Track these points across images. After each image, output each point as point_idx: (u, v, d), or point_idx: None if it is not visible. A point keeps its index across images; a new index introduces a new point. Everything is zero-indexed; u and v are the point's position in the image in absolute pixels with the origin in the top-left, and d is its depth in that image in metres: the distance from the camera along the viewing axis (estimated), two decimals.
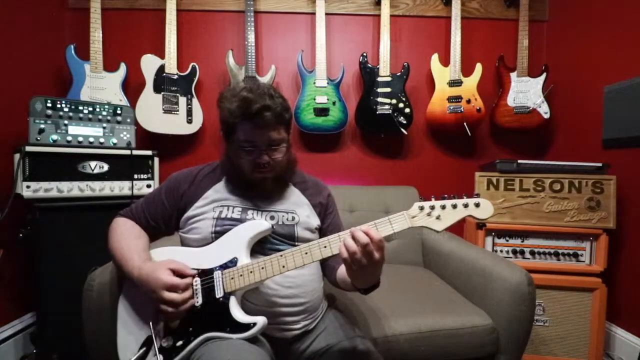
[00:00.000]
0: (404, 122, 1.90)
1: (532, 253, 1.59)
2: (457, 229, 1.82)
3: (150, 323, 0.80)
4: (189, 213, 0.91)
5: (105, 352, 0.92)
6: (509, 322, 1.08)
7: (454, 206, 0.74)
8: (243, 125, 0.83)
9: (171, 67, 1.83)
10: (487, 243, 1.61)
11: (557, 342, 1.54)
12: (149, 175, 1.63)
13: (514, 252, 1.59)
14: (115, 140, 1.59)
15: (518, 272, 1.09)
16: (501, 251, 1.61)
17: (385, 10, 1.92)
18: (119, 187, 1.54)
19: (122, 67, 1.83)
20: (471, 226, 1.69)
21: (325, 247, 0.76)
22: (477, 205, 0.74)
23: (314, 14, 1.94)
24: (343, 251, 0.70)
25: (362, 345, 0.86)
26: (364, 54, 1.94)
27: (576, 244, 1.55)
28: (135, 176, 1.58)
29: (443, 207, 0.74)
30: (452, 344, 1.06)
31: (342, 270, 0.89)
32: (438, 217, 0.74)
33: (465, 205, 0.74)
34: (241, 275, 0.78)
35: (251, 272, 0.78)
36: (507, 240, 1.61)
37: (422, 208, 0.75)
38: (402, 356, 1.03)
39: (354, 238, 0.69)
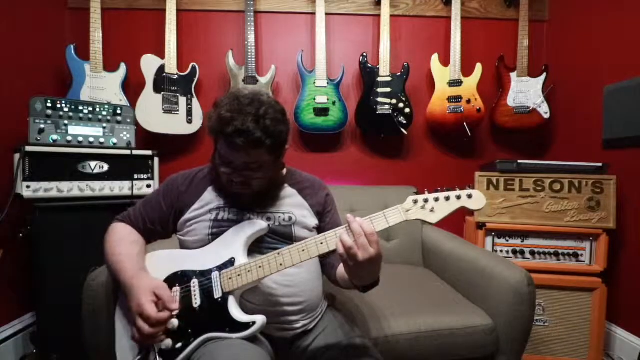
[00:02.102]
0: (404, 122, 1.90)
1: (532, 253, 1.59)
2: (457, 229, 1.82)
3: None
4: (186, 215, 0.91)
5: (105, 352, 0.92)
6: (509, 322, 1.08)
7: (447, 198, 0.75)
8: (220, 141, 0.82)
9: (171, 67, 1.83)
10: (487, 243, 1.61)
11: (557, 342, 1.54)
12: (149, 175, 1.63)
13: (514, 252, 1.59)
14: (115, 140, 1.59)
15: (518, 272, 1.09)
16: (501, 251, 1.61)
17: (385, 10, 1.92)
18: (119, 187, 1.54)
19: (122, 67, 1.83)
20: (471, 226, 1.69)
21: (322, 243, 0.76)
22: (470, 196, 0.75)
23: (314, 14, 1.94)
24: (339, 247, 0.70)
25: (362, 345, 0.86)
26: (364, 54, 1.94)
27: (576, 244, 1.55)
28: (135, 176, 1.58)
29: (436, 199, 0.76)
30: (452, 344, 1.06)
31: (341, 268, 0.88)
32: (432, 210, 0.75)
33: (458, 197, 0.75)
34: (239, 275, 0.78)
35: (249, 271, 0.78)
36: (507, 240, 1.61)
37: (415, 201, 0.76)
38: (402, 356, 1.03)
39: (350, 231, 0.70)
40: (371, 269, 0.73)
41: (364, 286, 0.79)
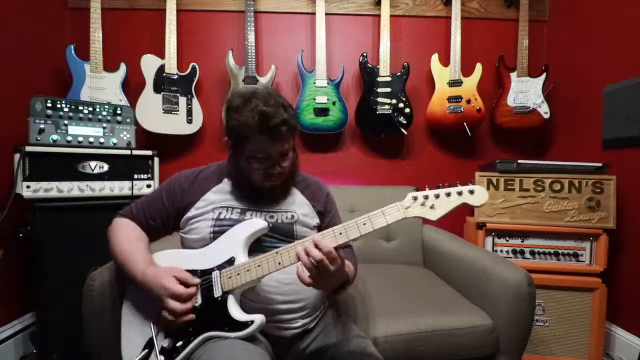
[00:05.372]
0: (404, 122, 1.90)
1: (532, 253, 1.59)
2: (457, 229, 1.82)
3: (151, 324, 0.80)
4: (189, 214, 0.91)
5: (105, 352, 0.92)
6: (509, 322, 1.08)
7: (448, 194, 0.73)
8: (258, 137, 0.82)
9: (171, 67, 1.83)
10: (487, 243, 1.61)
11: (557, 342, 1.54)
12: (149, 175, 1.63)
13: (514, 252, 1.59)
14: (115, 140, 1.59)
15: (518, 272, 1.09)
16: (501, 251, 1.61)
17: (385, 10, 1.92)
18: (119, 187, 1.54)
19: (122, 67, 1.82)
20: (471, 226, 1.69)
21: None
22: (472, 192, 0.72)
23: (314, 14, 1.94)
24: (301, 274, 0.72)
25: (361, 345, 0.86)
26: (364, 54, 1.94)
27: (576, 244, 1.55)
28: (135, 176, 1.58)
29: (437, 196, 0.74)
30: (452, 344, 1.06)
31: None
32: (432, 207, 0.73)
33: (459, 193, 0.73)
34: (238, 274, 0.78)
35: (248, 270, 0.78)
36: (507, 240, 1.61)
37: (415, 198, 0.74)
38: (402, 356, 1.03)
39: (307, 254, 0.70)
40: (334, 280, 0.76)
41: (331, 291, 0.82)
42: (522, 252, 1.59)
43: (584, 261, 1.55)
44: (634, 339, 1.51)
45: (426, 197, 0.74)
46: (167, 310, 0.75)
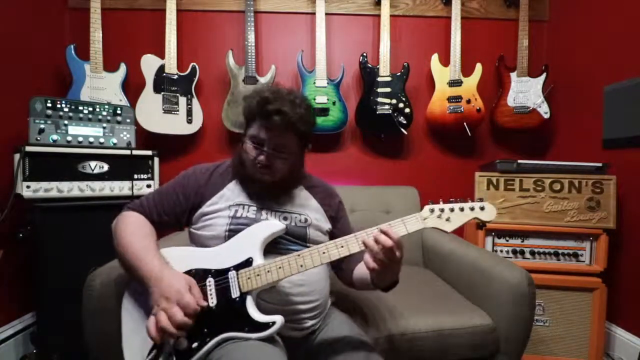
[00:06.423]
0: (404, 122, 1.90)
1: (532, 253, 1.59)
2: (457, 229, 1.81)
3: None
4: (203, 209, 0.90)
5: (105, 352, 0.92)
6: (509, 322, 1.08)
7: (462, 209, 0.82)
8: (256, 122, 0.87)
9: (171, 67, 1.83)
10: (487, 243, 1.61)
11: (557, 342, 1.54)
12: (149, 175, 1.63)
13: (514, 252, 1.59)
14: (115, 140, 1.59)
15: (518, 272, 1.09)
16: (501, 251, 1.61)
17: (385, 10, 1.92)
18: (119, 187, 1.54)
19: (122, 67, 1.83)
20: (471, 226, 1.69)
21: (342, 246, 0.78)
22: (482, 208, 0.82)
23: (314, 14, 1.94)
24: (368, 260, 0.75)
25: (362, 344, 0.86)
26: (364, 54, 1.94)
27: (576, 244, 1.55)
28: (135, 176, 1.58)
29: (452, 210, 0.81)
30: (452, 344, 1.06)
31: (359, 271, 0.93)
32: (448, 219, 0.81)
33: (472, 209, 0.82)
34: (258, 275, 0.78)
35: (269, 271, 0.78)
36: (507, 240, 1.61)
37: (432, 210, 0.81)
38: (402, 356, 1.03)
39: (377, 241, 0.74)
40: (395, 270, 0.80)
41: (386, 286, 0.85)
42: (522, 252, 1.59)
43: (584, 261, 1.55)
44: (634, 339, 1.51)
45: (442, 210, 0.81)
46: (166, 313, 0.69)
